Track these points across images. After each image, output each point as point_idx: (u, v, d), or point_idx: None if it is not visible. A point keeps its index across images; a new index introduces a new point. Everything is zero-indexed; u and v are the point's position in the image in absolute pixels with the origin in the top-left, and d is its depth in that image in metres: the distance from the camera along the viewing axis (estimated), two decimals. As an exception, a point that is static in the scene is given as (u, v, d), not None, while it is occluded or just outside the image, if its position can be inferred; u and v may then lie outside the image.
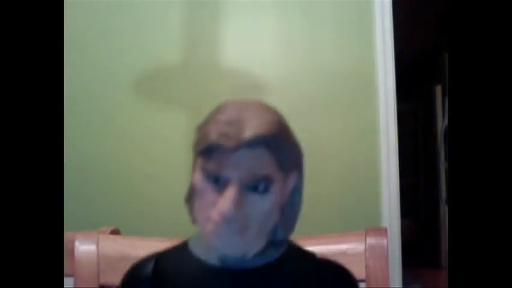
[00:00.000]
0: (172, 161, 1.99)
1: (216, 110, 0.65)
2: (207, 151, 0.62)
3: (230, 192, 0.61)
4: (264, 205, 0.63)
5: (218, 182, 0.62)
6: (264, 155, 0.62)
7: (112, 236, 1.04)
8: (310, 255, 0.72)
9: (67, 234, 0.98)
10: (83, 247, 0.98)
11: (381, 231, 0.97)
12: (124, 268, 0.88)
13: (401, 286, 1.94)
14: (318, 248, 0.95)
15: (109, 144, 2.03)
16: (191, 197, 0.69)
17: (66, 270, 0.99)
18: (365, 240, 0.96)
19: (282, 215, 0.69)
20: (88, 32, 2.07)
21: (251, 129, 0.60)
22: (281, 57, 2.03)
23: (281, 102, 2.04)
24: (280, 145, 0.63)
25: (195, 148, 0.65)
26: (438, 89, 4.90)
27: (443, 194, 4.65)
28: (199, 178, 0.65)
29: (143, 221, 1.95)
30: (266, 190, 0.63)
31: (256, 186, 0.62)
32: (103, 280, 0.97)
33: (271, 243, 0.69)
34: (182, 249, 0.71)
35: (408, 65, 4.94)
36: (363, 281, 0.95)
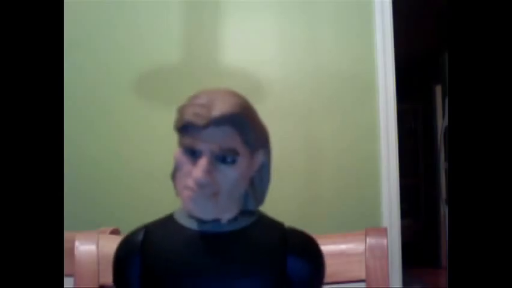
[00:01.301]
0: (172, 161, 1.99)
1: (193, 95, 0.77)
2: (183, 128, 0.74)
3: (202, 162, 0.72)
4: (232, 174, 0.74)
5: (193, 155, 0.74)
6: (229, 131, 0.73)
7: (112, 236, 1.03)
8: (279, 224, 0.82)
9: (67, 234, 0.98)
10: (83, 247, 0.98)
11: (381, 231, 0.97)
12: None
13: (401, 286, 1.94)
14: (318, 248, 0.95)
15: (109, 144, 2.03)
16: (174, 173, 0.79)
17: (66, 270, 0.99)
18: (365, 240, 0.96)
19: (251, 187, 0.79)
20: (88, 31, 2.07)
21: (218, 110, 0.72)
22: (281, 57, 2.03)
23: (281, 102, 2.05)
24: (244, 124, 0.74)
25: (175, 127, 0.76)
26: (438, 89, 4.90)
27: (443, 194, 4.65)
28: (179, 153, 0.76)
29: (143, 221, 1.95)
30: (233, 162, 0.74)
31: (224, 157, 0.73)
32: (103, 280, 0.97)
33: (244, 212, 0.79)
34: (168, 220, 0.82)
35: (408, 65, 4.94)
36: (363, 281, 0.95)
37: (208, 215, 0.74)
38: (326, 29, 2.03)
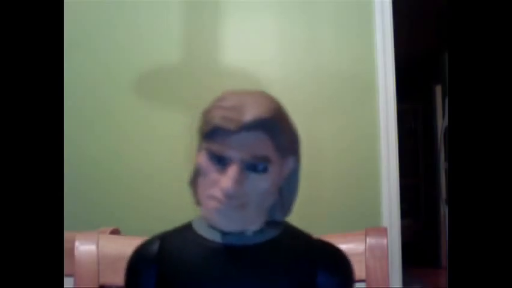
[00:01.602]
0: (172, 161, 1.99)
1: (219, 98, 0.71)
2: (211, 133, 0.68)
3: (232, 171, 0.66)
4: (262, 184, 0.69)
5: (220, 162, 0.68)
6: (262, 137, 0.68)
7: (112, 236, 1.03)
8: (306, 235, 0.78)
9: (67, 235, 0.98)
10: (83, 247, 0.98)
11: (381, 231, 0.97)
12: (124, 268, 0.88)
13: (401, 286, 1.94)
14: (318, 248, 0.95)
15: (109, 144, 2.03)
16: (195, 179, 0.74)
17: (66, 270, 0.99)
18: (365, 240, 0.96)
19: (280, 196, 0.74)
20: (88, 31, 2.07)
21: (251, 114, 0.67)
22: (281, 57, 2.03)
23: (281, 102, 2.04)
24: (277, 129, 0.69)
25: (200, 132, 0.71)
26: (438, 89, 4.90)
27: (443, 194, 4.65)
28: (203, 159, 0.70)
29: (143, 221, 1.95)
30: (265, 170, 0.69)
31: (255, 166, 0.68)
32: (103, 280, 0.97)
33: (270, 223, 0.74)
34: (186, 229, 0.77)
35: (408, 65, 4.93)
36: (363, 281, 0.95)
37: (234, 227, 0.69)
38: (326, 29, 2.03)
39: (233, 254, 0.71)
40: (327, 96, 2.01)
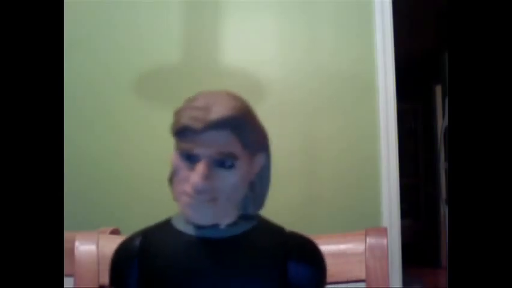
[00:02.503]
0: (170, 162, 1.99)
1: (190, 98, 0.75)
2: (180, 132, 0.72)
3: (200, 167, 0.70)
4: (230, 179, 0.72)
5: (190, 160, 0.72)
6: (228, 135, 0.71)
7: (112, 236, 1.03)
8: (279, 228, 0.81)
9: (67, 235, 0.98)
10: (83, 247, 0.98)
11: (381, 231, 0.97)
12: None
13: (401, 286, 1.94)
14: (318, 248, 0.95)
15: (109, 144, 2.03)
16: (172, 177, 0.78)
17: (66, 270, 0.99)
18: (365, 240, 0.96)
19: (251, 191, 0.78)
20: (88, 31, 2.07)
21: (216, 113, 0.70)
22: (281, 57, 2.03)
23: (281, 102, 2.04)
24: (243, 127, 0.72)
25: (171, 130, 0.75)
26: (438, 89, 4.90)
27: (443, 194, 4.65)
28: (176, 157, 0.74)
29: (143, 221, 1.95)
30: (232, 166, 0.72)
31: (223, 162, 0.71)
32: (103, 280, 0.97)
33: (243, 217, 0.78)
34: (166, 225, 0.80)
35: (408, 65, 4.93)
36: (363, 281, 0.95)
37: (206, 221, 0.73)
38: (326, 29, 2.03)
39: (207, 247, 0.74)
40: (327, 96, 2.01)
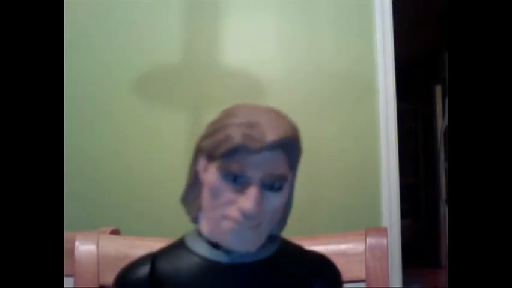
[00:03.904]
0: (172, 161, 1.99)
1: (229, 113, 0.68)
2: (231, 153, 0.65)
3: (253, 191, 0.65)
4: (277, 202, 0.68)
5: (237, 181, 0.66)
6: (281, 156, 0.67)
7: (112, 236, 1.03)
8: (299, 247, 0.77)
9: (67, 235, 0.98)
10: (83, 247, 0.98)
11: (381, 231, 0.97)
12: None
13: (401, 286, 1.94)
14: (318, 248, 0.95)
15: (108, 144, 2.03)
16: (192, 195, 0.72)
17: (66, 270, 0.99)
18: (365, 240, 0.96)
19: (282, 211, 0.73)
20: (88, 31, 2.07)
21: (273, 133, 0.65)
22: (281, 57, 2.03)
23: (281, 102, 2.04)
24: (294, 148, 0.68)
25: (215, 150, 0.67)
26: (438, 89, 4.90)
27: (443, 194, 4.65)
28: (216, 177, 0.67)
29: (143, 221, 1.95)
30: (280, 188, 0.67)
31: (272, 184, 0.67)
32: (103, 280, 0.97)
33: (269, 238, 0.73)
34: (179, 247, 0.73)
35: (408, 65, 4.94)
36: (363, 281, 0.95)
37: (250, 247, 0.67)
38: (326, 29, 2.03)
39: (237, 273, 0.69)
40: (327, 96, 2.01)
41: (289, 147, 0.67)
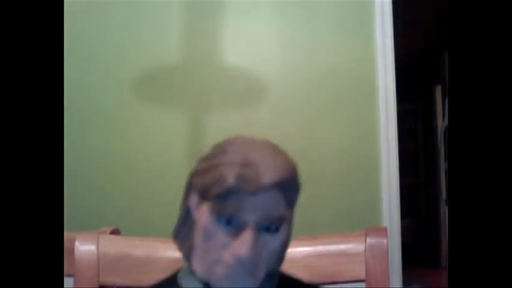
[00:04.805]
0: (172, 161, 1.99)
1: (221, 151, 0.65)
2: (224, 195, 0.62)
3: (248, 236, 0.61)
4: (273, 244, 0.64)
5: (231, 224, 0.62)
6: (278, 197, 0.63)
7: (112, 236, 1.04)
8: (298, 281, 0.74)
9: (67, 235, 0.98)
10: (83, 247, 0.98)
11: (381, 231, 0.97)
12: (124, 268, 0.88)
13: (401, 286, 1.94)
14: (319, 248, 0.95)
15: (108, 145, 2.03)
16: (183, 232, 0.68)
17: (66, 270, 0.99)
18: (365, 240, 0.96)
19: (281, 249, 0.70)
20: (88, 32, 2.07)
21: (270, 174, 0.61)
22: (281, 57, 2.03)
23: (281, 103, 2.04)
24: (292, 187, 0.65)
25: (208, 191, 0.64)
26: (438, 89, 4.90)
27: (443, 194, 4.65)
28: (209, 219, 0.63)
29: (143, 221, 1.95)
30: (277, 230, 0.64)
31: (269, 226, 0.63)
32: (103, 280, 0.97)
33: (267, 274, 0.68)
34: (172, 285, 0.70)
35: (408, 65, 4.93)
36: (363, 281, 0.95)
37: None
38: (326, 29, 2.03)
39: None
40: (327, 96, 2.01)
41: (287, 187, 0.64)
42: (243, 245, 0.60)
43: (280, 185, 0.62)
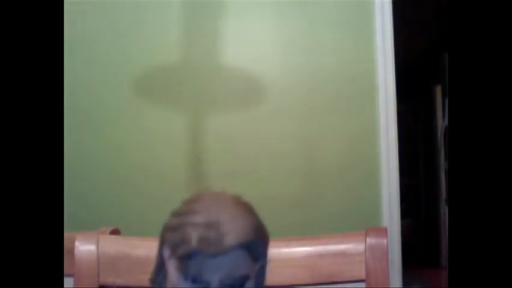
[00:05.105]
0: (172, 161, 1.99)
1: (189, 209, 0.67)
2: (188, 256, 0.64)
3: None
4: None
5: (196, 282, 0.65)
6: (242, 256, 0.64)
7: (112, 236, 1.03)
8: None
9: (67, 235, 0.98)
10: (83, 247, 0.98)
11: (381, 231, 0.97)
12: (124, 268, 0.88)
13: (401, 286, 1.94)
14: (319, 248, 0.95)
15: (109, 144, 2.03)
16: (157, 279, 0.71)
17: (66, 270, 0.99)
18: (365, 240, 0.96)
19: None
20: (88, 32, 2.07)
21: (232, 236, 0.63)
22: (281, 57, 2.03)
23: (281, 102, 2.04)
24: (257, 246, 0.66)
25: (174, 250, 0.66)
26: (438, 89, 4.90)
27: (443, 194, 4.65)
28: (176, 277, 0.66)
29: (143, 221, 1.95)
30: (241, 286, 0.66)
31: (232, 285, 0.65)
32: (103, 280, 0.97)
33: None
34: None
35: (408, 65, 4.93)
36: (363, 281, 0.95)
37: None
38: (326, 29, 2.03)
39: None
40: (327, 97, 2.01)
41: (252, 246, 0.65)
42: None
43: (244, 245, 0.64)
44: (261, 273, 0.72)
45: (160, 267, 0.72)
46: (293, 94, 2.01)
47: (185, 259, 0.64)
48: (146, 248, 0.94)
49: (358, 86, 2.00)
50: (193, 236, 0.63)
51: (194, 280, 0.65)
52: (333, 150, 1.99)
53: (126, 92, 2.04)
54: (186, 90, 2.03)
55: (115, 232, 1.09)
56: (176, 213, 0.69)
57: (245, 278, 0.65)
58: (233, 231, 0.63)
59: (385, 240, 0.95)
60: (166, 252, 0.70)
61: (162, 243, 0.71)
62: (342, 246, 0.95)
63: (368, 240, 0.95)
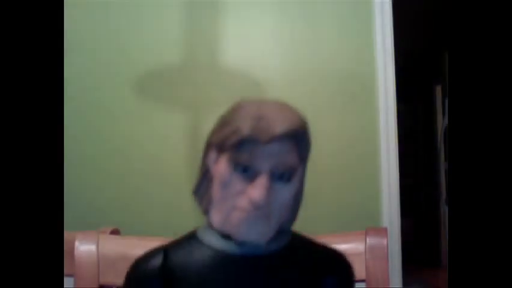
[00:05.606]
0: (172, 161, 1.99)
1: (236, 108, 0.70)
2: (240, 144, 0.67)
3: (262, 181, 0.66)
4: (286, 193, 0.69)
5: (247, 172, 0.67)
6: (290, 147, 0.68)
7: (112, 236, 1.04)
8: (311, 240, 0.78)
9: (67, 235, 0.98)
10: (83, 247, 0.98)
11: (381, 231, 0.97)
12: (124, 268, 0.88)
13: (401, 286, 1.94)
14: (318, 248, 0.95)
15: (109, 144, 2.03)
16: (203, 188, 0.73)
17: (66, 270, 0.99)
18: (365, 240, 0.96)
19: (293, 204, 0.74)
20: (88, 32, 2.07)
21: (282, 124, 0.66)
22: (281, 57, 2.03)
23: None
24: (302, 138, 0.69)
25: (225, 142, 0.69)
26: (438, 89, 4.90)
27: (443, 194, 4.65)
28: (226, 169, 0.69)
29: (143, 221, 1.95)
30: (289, 179, 0.68)
31: (282, 175, 0.67)
32: (103, 280, 0.97)
33: (280, 232, 0.73)
34: (191, 240, 0.74)
35: (408, 65, 4.93)
36: (363, 281, 0.95)
37: (261, 238, 0.67)
38: (325, 29, 2.03)
39: (249, 265, 0.70)
40: (327, 96, 2.01)
41: (298, 138, 0.68)
42: (257, 189, 0.65)
43: (291, 135, 0.67)
44: (303, 188, 0.76)
45: (204, 175, 0.74)
46: (292, 94, 2.01)
47: (237, 149, 0.67)
48: (146, 248, 0.94)
49: (358, 85, 2.00)
50: (244, 126, 0.66)
51: (245, 170, 0.67)
52: (333, 150, 1.99)
53: (126, 92, 2.04)
54: (186, 90, 2.03)
55: (115, 232, 1.09)
56: (223, 116, 0.71)
57: (292, 170, 0.68)
58: (282, 120, 0.66)
59: (385, 240, 0.95)
60: (212, 156, 0.72)
61: (207, 150, 0.74)
62: (342, 246, 0.95)
63: (368, 240, 0.96)
